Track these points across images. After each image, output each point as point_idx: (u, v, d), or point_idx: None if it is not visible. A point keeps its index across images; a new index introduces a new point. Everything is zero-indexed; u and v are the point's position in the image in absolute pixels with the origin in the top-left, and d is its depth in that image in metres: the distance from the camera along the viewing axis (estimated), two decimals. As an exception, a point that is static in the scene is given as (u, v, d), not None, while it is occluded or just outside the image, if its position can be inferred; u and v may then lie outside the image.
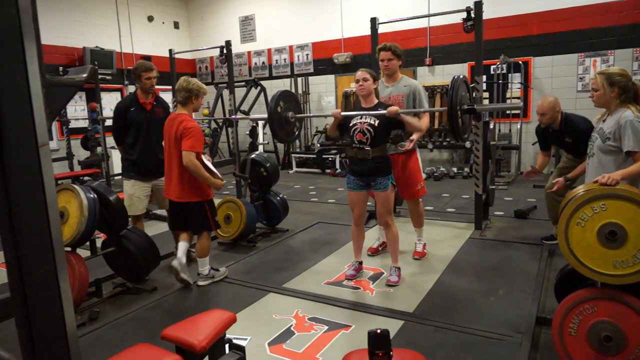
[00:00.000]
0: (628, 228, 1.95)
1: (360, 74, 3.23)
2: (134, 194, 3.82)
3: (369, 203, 3.56)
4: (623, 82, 2.51)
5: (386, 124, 3.17)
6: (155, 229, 5.15)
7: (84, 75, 4.05)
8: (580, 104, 7.29)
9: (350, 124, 3.26)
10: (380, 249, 4.13)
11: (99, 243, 3.51)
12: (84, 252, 3.28)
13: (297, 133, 3.80)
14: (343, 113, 3.28)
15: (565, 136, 3.66)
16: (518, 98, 7.72)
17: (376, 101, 3.28)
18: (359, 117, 3.23)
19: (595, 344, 2.06)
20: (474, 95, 4.56)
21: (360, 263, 3.62)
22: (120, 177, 4.76)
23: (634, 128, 2.38)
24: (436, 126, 8.22)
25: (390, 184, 3.27)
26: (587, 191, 2.08)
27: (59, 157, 7.95)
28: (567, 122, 3.64)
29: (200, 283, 3.50)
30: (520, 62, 7.52)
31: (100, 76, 8.16)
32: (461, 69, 8.17)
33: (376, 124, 3.16)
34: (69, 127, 8.02)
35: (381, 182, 3.23)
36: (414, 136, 3.55)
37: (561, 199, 3.88)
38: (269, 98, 9.31)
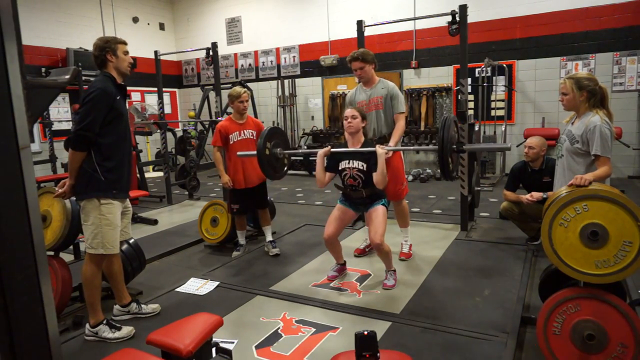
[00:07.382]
0: (609, 228, 1.99)
1: (350, 111, 3.27)
2: (119, 224, 2.79)
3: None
4: (591, 86, 2.58)
5: (373, 165, 3.19)
6: (141, 232, 5.10)
7: (67, 76, 3.97)
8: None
9: (340, 169, 3.30)
10: (367, 250, 4.14)
11: (82, 247, 3.46)
12: (67, 257, 3.23)
13: (286, 170, 3.72)
14: (333, 150, 3.29)
15: (545, 176, 3.91)
16: (502, 100, 7.83)
17: (363, 139, 3.29)
18: (347, 162, 3.26)
19: (579, 342, 2.10)
20: (459, 97, 4.63)
21: (343, 264, 3.63)
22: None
23: (602, 134, 2.49)
24: (422, 128, 8.30)
25: (383, 204, 3.32)
26: (570, 192, 2.11)
27: (41, 159, 7.82)
28: (549, 163, 3.91)
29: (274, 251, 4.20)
30: (504, 65, 7.64)
31: (84, 77, 8.04)
32: (447, 72, 8.27)
33: (365, 169, 3.21)
34: (52, 129, 7.90)
35: (375, 204, 3.30)
36: (392, 142, 3.63)
37: (518, 208, 4.03)
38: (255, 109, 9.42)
